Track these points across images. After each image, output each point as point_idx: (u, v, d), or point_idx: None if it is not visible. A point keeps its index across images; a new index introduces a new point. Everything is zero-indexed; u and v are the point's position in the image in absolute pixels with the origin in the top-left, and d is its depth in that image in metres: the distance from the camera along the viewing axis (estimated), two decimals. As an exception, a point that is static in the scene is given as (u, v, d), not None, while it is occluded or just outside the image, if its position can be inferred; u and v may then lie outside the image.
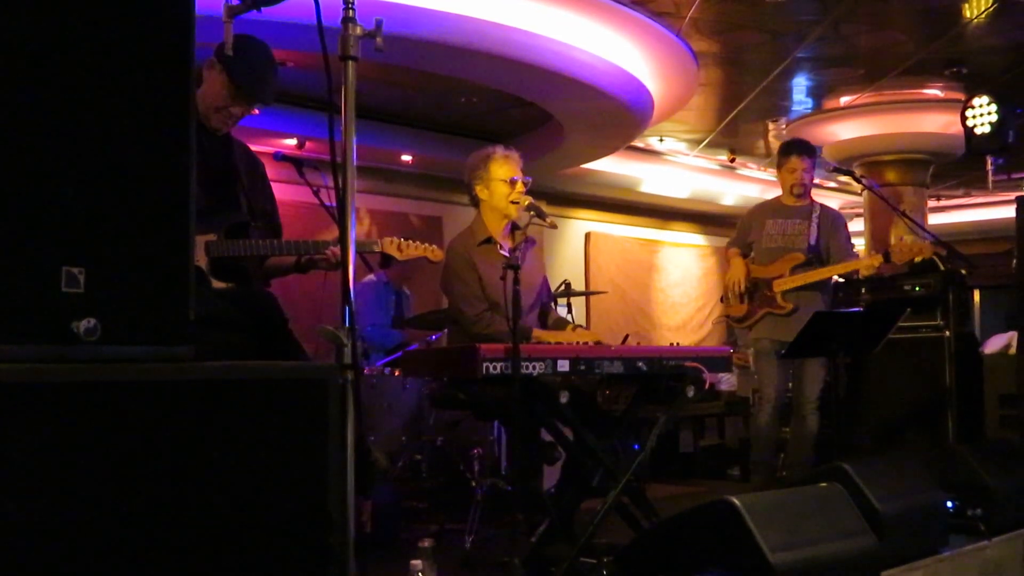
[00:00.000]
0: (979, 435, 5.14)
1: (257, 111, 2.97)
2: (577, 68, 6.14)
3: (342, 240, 2.07)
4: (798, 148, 4.98)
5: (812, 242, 4.77)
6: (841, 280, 5.65)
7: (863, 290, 5.54)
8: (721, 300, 5.18)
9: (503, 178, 3.63)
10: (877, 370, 5.20)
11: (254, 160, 3.11)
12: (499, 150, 3.69)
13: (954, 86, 7.58)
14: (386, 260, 5.64)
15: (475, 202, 3.72)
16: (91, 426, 1.39)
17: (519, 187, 3.62)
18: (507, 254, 3.58)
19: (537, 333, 3.51)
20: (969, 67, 7.09)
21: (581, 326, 3.87)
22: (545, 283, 3.92)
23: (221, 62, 2.82)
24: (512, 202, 3.62)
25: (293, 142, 7.35)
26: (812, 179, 4.93)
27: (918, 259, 4.60)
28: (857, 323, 4.20)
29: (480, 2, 5.49)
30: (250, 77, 2.86)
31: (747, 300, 4.90)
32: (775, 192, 5.08)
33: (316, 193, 2.99)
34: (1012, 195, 6.74)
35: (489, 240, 3.66)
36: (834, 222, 4.88)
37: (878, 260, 4.52)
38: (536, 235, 3.95)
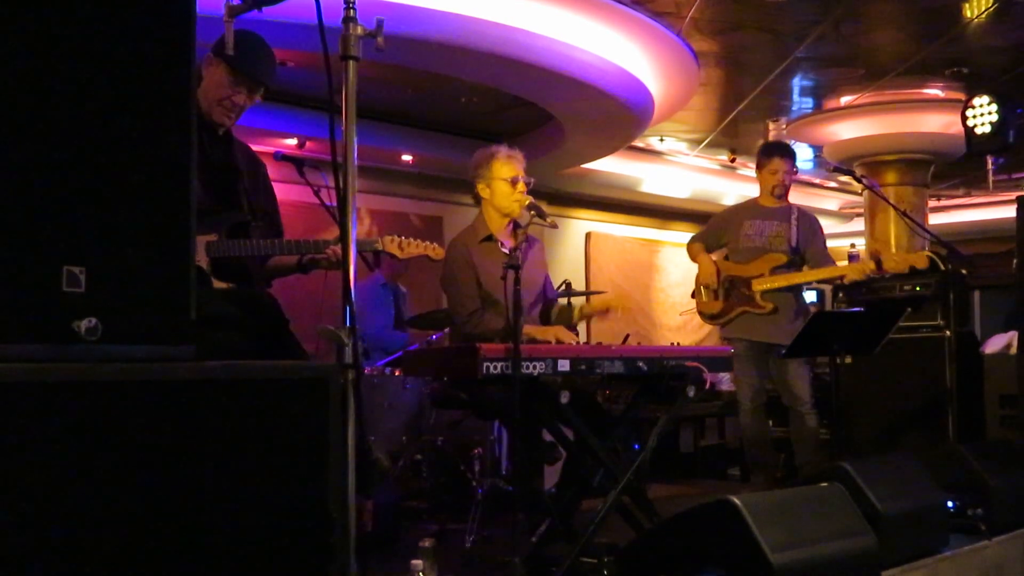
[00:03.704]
0: (979, 435, 5.13)
1: (260, 97, 2.97)
2: (577, 68, 6.14)
3: (343, 240, 2.07)
4: (780, 150, 5.00)
5: (793, 244, 4.80)
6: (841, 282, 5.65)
7: (863, 290, 5.54)
8: (692, 296, 5.19)
9: (505, 177, 3.64)
10: (877, 370, 5.20)
11: (255, 160, 3.11)
12: (503, 150, 3.70)
13: (954, 86, 7.57)
14: (376, 259, 5.63)
15: (477, 200, 3.73)
16: (92, 426, 1.39)
17: (520, 187, 3.63)
18: (508, 252, 3.59)
19: (528, 330, 3.49)
20: (970, 67, 7.09)
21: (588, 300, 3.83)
22: (548, 282, 3.92)
23: (217, 55, 2.83)
24: (514, 201, 3.63)
25: (293, 142, 7.35)
26: (792, 181, 4.94)
27: (917, 266, 4.45)
28: (857, 323, 4.20)
29: (481, 2, 5.49)
30: (248, 61, 2.87)
31: (722, 297, 4.92)
32: (769, 191, 5.06)
33: (317, 193, 2.99)
34: (1012, 195, 6.75)
35: (490, 238, 3.67)
36: (812, 226, 4.89)
37: (870, 267, 4.44)
38: (536, 235, 3.95)
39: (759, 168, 5.00)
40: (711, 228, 5.19)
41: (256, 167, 3.10)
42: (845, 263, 4.77)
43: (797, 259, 4.81)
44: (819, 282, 5.03)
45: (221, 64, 2.85)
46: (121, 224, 1.51)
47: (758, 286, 4.77)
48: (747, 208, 5.07)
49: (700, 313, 5.12)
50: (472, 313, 3.54)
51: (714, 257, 5.04)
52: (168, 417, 1.48)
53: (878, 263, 4.43)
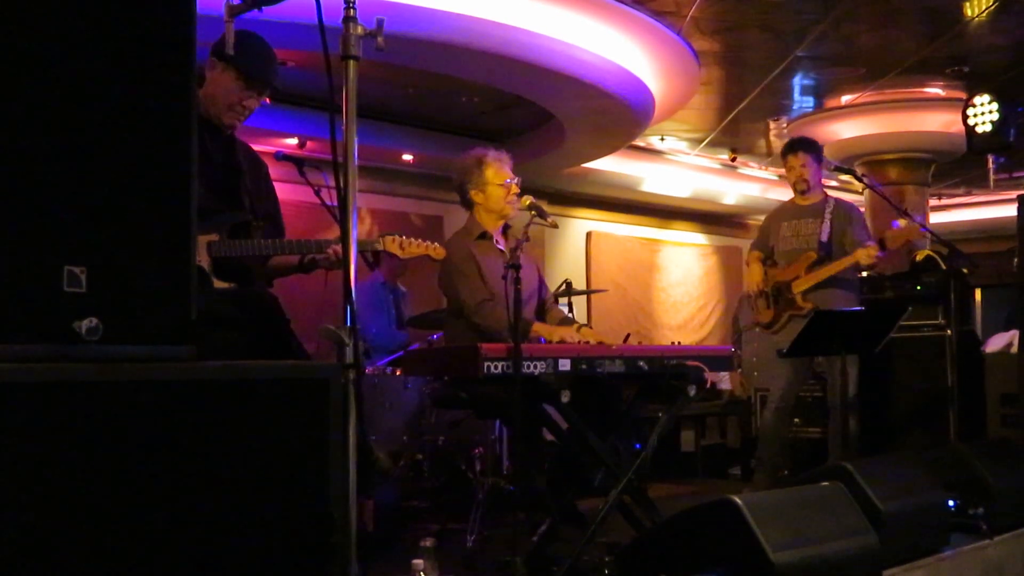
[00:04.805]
0: (980, 434, 5.13)
1: (268, 100, 2.97)
2: (578, 67, 6.13)
3: (344, 239, 2.07)
4: (792, 146, 5.00)
5: (823, 239, 4.75)
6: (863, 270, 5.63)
7: (865, 289, 5.54)
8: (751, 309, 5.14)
9: (499, 182, 3.69)
10: (879, 369, 5.20)
11: (257, 160, 3.11)
12: (491, 153, 3.74)
13: (955, 85, 7.57)
14: (375, 258, 5.64)
15: (468, 204, 3.78)
16: (93, 426, 1.39)
17: (514, 189, 3.69)
18: (502, 248, 3.64)
19: (537, 327, 3.51)
20: (970, 66, 7.09)
21: (587, 325, 3.88)
22: (541, 280, 3.94)
23: (223, 59, 2.82)
24: (508, 203, 3.70)
25: (294, 142, 7.35)
26: (815, 173, 4.91)
27: (912, 238, 4.60)
28: (858, 322, 4.19)
29: (481, 1, 5.49)
30: (258, 65, 2.88)
31: (772, 305, 4.88)
32: (776, 191, 5.12)
33: (317, 193, 2.99)
34: (1013, 194, 6.74)
35: (485, 235, 3.72)
36: (848, 215, 4.84)
37: (874, 249, 4.49)
38: (537, 235, 3.97)
39: (784, 169, 5.05)
40: (760, 235, 5.17)
41: (258, 167, 3.10)
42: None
43: (827, 255, 4.75)
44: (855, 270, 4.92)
45: (230, 68, 2.84)
46: (122, 224, 1.51)
47: (797, 287, 4.75)
48: (784, 210, 5.08)
49: (757, 324, 5.08)
50: (483, 302, 3.54)
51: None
52: (169, 417, 1.48)
53: (881, 243, 4.50)
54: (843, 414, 4.41)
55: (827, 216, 4.80)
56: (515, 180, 3.70)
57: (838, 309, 4.43)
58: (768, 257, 5.00)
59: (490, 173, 3.69)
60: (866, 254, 4.51)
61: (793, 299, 4.76)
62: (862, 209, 5.64)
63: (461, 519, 4.06)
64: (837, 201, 4.93)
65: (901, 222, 4.61)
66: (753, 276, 4.97)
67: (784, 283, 4.82)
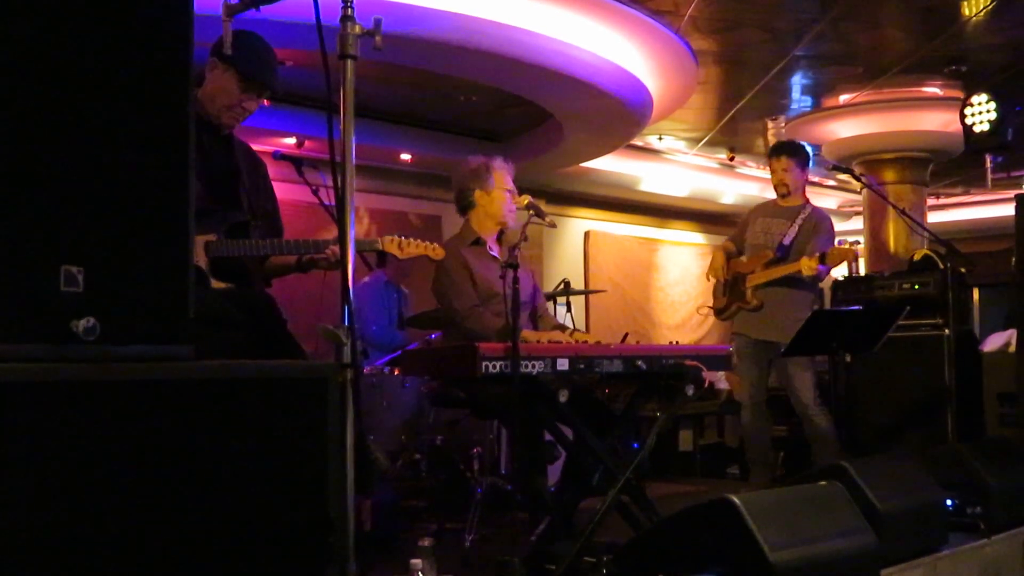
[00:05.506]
0: (978, 433, 5.13)
1: (267, 102, 2.97)
2: (576, 67, 6.14)
3: (341, 239, 2.06)
4: (775, 150, 5.12)
5: (786, 242, 4.84)
6: (840, 279, 5.67)
7: (863, 288, 5.55)
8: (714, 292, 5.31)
9: (505, 187, 3.74)
10: (876, 369, 5.20)
11: (256, 160, 3.11)
12: (499, 161, 3.81)
13: (953, 84, 7.58)
14: (382, 258, 5.65)
15: (467, 208, 3.81)
16: (90, 425, 1.39)
17: (517, 200, 3.73)
18: (496, 255, 3.66)
19: (526, 335, 3.50)
20: (968, 65, 7.09)
21: (580, 331, 3.89)
22: (536, 288, 3.98)
23: (223, 60, 2.81)
24: (509, 210, 3.75)
25: (292, 141, 7.35)
26: (798, 179, 4.97)
27: (848, 260, 4.74)
28: (856, 322, 4.20)
29: (479, 1, 5.48)
30: (258, 67, 2.87)
31: (727, 293, 5.02)
32: (774, 190, 5.13)
33: (315, 192, 2.99)
34: (1011, 193, 6.75)
35: (478, 241, 3.76)
36: (816, 225, 4.90)
37: (815, 262, 4.57)
38: (535, 234, 4.00)
39: None
40: (738, 227, 5.30)
41: (257, 167, 3.10)
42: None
43: (783, 257, 4.83)
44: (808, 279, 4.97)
45: (230, 70, 2.84)
46: (119, 224, 1.50)
47: (750, 282, 4.87)
48: (764, 207, 5.18)
49: (711, 308, 5.24)
50: (474, 307, 3.57)
51: (744, 256, 5.13)
52: (166, 417, 1.47)
53: (822, 257, 4.59)
54: (845, 414, 4.44)
55: (798, 222, 4.88)
56: (514, 190, 3.76)
57: (838, 309, 4.45)
58: (740, 250, 5.12)
59: (498, 177, 3.76)
60: (807, 265, 4.59)
61: (744, 292, 4.89)
62: (860, 208, 5.66)
63: (459, 519, 4.06)
64: (814, 209, 5.00)
65: (846, 244, 4.79)
66: (714, 261, 5.09)
67: (741, 275, 4.96)
